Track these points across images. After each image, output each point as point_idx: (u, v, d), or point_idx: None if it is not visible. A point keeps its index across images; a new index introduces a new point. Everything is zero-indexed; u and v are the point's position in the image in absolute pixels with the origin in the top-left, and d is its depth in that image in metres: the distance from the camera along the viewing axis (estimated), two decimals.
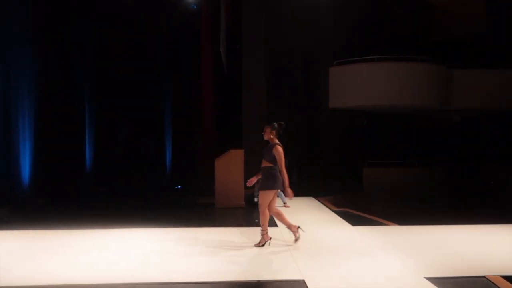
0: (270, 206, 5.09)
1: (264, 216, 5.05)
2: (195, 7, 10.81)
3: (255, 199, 8.37)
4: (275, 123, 5.20)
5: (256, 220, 7.00)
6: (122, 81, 11.77)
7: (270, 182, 5.02)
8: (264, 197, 5.06)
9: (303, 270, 4.21)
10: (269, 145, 5.13)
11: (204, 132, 10.94)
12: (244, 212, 7.92)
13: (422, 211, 8.51)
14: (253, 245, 5.17)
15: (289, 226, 5.19)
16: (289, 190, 4.98)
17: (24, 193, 8.25)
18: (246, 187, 8.39)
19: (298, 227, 5.19)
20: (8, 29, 7.85)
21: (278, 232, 5.78)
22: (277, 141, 5.14)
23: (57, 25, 9.74)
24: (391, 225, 6.74)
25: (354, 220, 6.97)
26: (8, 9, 7.82)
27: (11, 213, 7.14)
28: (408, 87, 10.40)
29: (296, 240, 5.17)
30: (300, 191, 10.22)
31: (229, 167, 8.27)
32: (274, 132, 5.15)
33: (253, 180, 5.32)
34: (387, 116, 12.31)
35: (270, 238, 5.18)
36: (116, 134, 11.84)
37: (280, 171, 4.99)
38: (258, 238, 5.33)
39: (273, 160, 5.02)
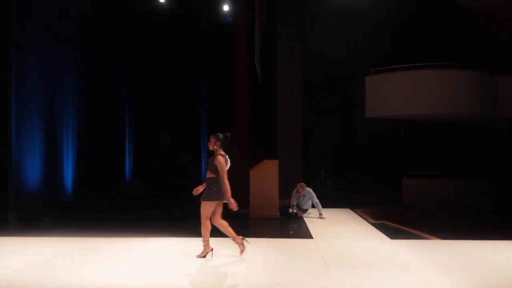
0: (214, 217, 5.04)
1: (205, 227, 5.01)
2: (230, 19, 10.98)
3: (290, 210, 8.29)
4: (220, 134, 5.13)
5: (291, 232, 6.93)
6: (160, 93, 12.10)
7: (213, 193, 4.96)
8: (205, 208, 4.99)
9: (339, 284, 4.09)
10: (212, 156, 5.08)
11: (238, 143, 10.98)
12: (279, 223, 7.84)
13: (466, 225, 8.10)
14: (196, 256, 5.09)
15: (234, 238, 5.10)
16: (231, 201, 4.87)
17: (67, 201, 8.57)
18: (281, 198, 8.34)
19: (243, 238, 5.12)
20: (55, 46, 8.25)
21: (312, 244, 5.66)
22: (222, 152, 5.06)
23: (99, 39, 10.17)
24: (433, 239, 6.44)
25: (393, 233, 6.72)
26: (56, 27, 8.22)
27: (55, 220, 7.44)
28: (450, 94, 10.05)
29: (242, 252, 5.06)
30: (336, 202, 10.06)
31: (264, 177, 8.23)
32: (218, 142, 5.08)
33: (199, 190, 5.21)
34: (427, 124, 11.92)
35: (212, 249, 5.12)
36: (155, 144, 12.13)
37: (223, 182, 4.90)
38: (293, 249, 5.27)
39: (216, 170, 4.94)
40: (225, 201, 5.01)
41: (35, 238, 6.34)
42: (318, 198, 8.39)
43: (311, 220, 7.90)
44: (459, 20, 11.89)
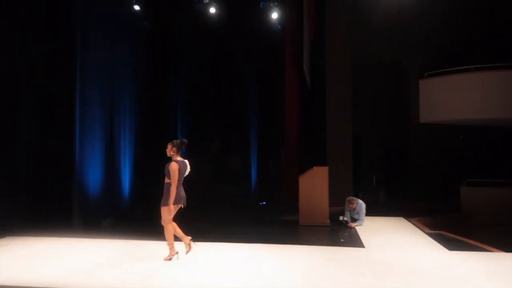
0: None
1: (168, 231, 5.14)
2: (279, 27, 11.06)
3: (341, 218, 8.15)
4: (176, 140, 5.28)
5: (342, 240, 6.82)
6: (211, 101, 12.44)
7: (170, 198, 5.06)
8: (165, 213, 5.10)
9: None
10: (168, 162, 5.15)
11: (288, 149, 11.00)
12: (329, 231, 7.73)
13: None
14: (163, 259, 5.18)
15: (183, 238, 5.30)
16: (171, 207, 5.05)
17: (125, 205, 9.02)
18: (331, 205, 8.24)
19: (191, 239, 5.34)
20: (114, 61, 8.76)
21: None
22: (178, 158, 5.17)
23: (153, 51, 10.67)
24: (495, 251, 6.06)
25: (451, 244, 6.39)
26: (115, 44, 8.74)
27: (114, 223, 7.86)
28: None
29: (188, 251, 5.30)
30: (388, 211, 9.75)
31: (313, 184, 8.16)
32: (174, 148, 5.19)
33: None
34: (487, 130, 11.24)
35: (177, 252, 5.23)
36: (206, 150, 12.46)
37: (171, 187, 5.03)
38: (344, 258, 5.19)
39: (168, 176, 5.06)
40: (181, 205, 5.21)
41: (96, 240, 6.75)
42: (368, 206, 8.20)
43: (362, 229, 7.72)
44: None
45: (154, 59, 10.68)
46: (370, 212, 8.42)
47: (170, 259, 5.23)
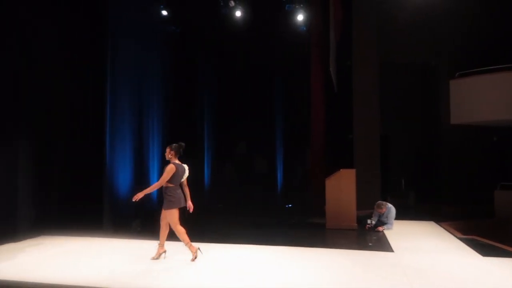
0: (165, 220, 5.35)
1: (179, 232, 5.31)
2: (305, 28, 11.01)
3: (368, 221, 8.00)
4: (174, 144, 5.42)
5: (370, 244, 6.69)
6: (237, 102, 12.52)
7: (170, 202, 5.23)
8: (171, 216, 5.27)
9: None
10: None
11: (314, 151, 10.92)
12: (356, 234, 7.61)
13: None
14: (190, 260, 5.34)
15: (162, 240, 5.47)
16: (139, 194, 5.15)
17: (153, 207, 9.16)
18: (358, 208, 8.11)
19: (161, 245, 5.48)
20: (143, 64, 8.94)
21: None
22: (175, 161, 5.34)
23: (181, 55, 10.84)
24: None
25: (485, 250, 6.16)
26: (143, 46, 8.93)
27: (142, 224, 8.01)
28: None
29: (156, 257, 5.44)
30: (418, 215, 9.51)
31: (340, 187, 8.06)
32: (173, 152, 5.37)
33: (139, 196, 5.23)
34: None
35: (165, 250, 5.49)
36: (232, 152, 12.54)
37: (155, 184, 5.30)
38: (372, 262, 5.09)
39: (170, 180, 5.21)
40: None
41: (125, 240, 6.90)
42: (397, 210, 8.03)
43: (391, 233, 7.56)
44: None
45: (181, 62, 10.86)
46: (399, 216, 8.24)
47: (195, 258, 5.39)
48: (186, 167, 5.47)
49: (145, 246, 6.30)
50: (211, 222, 9.06)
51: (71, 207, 7.57)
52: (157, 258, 5.48)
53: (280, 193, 12.01)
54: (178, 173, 5.28)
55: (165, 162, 5.51)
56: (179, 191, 5.36)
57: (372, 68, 10.58)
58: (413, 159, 12.31)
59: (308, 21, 10.84)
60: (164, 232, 5.48)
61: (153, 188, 5.35)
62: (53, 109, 7.60)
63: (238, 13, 10.56)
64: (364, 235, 7.49)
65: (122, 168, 8.02)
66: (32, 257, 5.69)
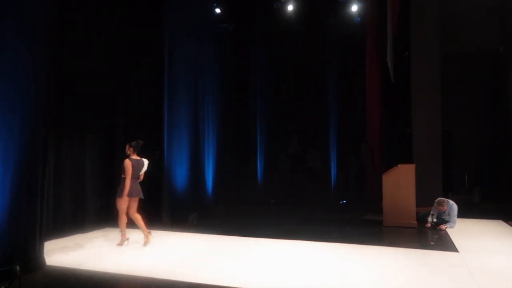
0: (130, 210, 5.98)
1: (121, 220, 5.96)
2: (359, 19, 10.68)
3: (429, 219, 7.62)
4: (133, 142, 6.07)
5: (432, 243, 6.38)
6: (290, 98, 12.45)
7: (123, 190, 5.83)
8: (119, 204, 5.91)
9: None
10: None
11: (370, 146, 10.59)
12: (416, 232, 7.28)
13: None
14: (116, 244, 6.06)
15: (143, 230, 6.08)
16: (125, 199, 5.84)
17: (208, 201, 9.39)
18: (418, 205, 7.75)
19: (149, 232, 6.10)
20: (198, 61, 9.11)
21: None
22: (133, 156, 6.01)
23: (234, 52, 10.95)
24: None
25: None
26: (199, 45, 9.10)
27: (199, 218, 8.23)
28: None
29: (145, 243, 6.01)
30: (483, 213, 8.92)
31: (399, 182, 7.73)
32: (131, 149, 6.03)
33: (124, 194, 5.90)
34: None
35: (128, 238, 6.08)
36: (285, 148, 12.50)
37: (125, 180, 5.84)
38: (435, 262, 4.89)
39: (124, 172, 5.86)
40: (140, 197, 6.03)
41: (182, 233, 7.12)
42: (460, 207, 7.58)
43: (454, 232, 7.15)
44: None
45: (234, 59, 10.98)
46: (462, 214, 7.78)
47: (121, 244, 6.05)
48: (146, 162, 6.14)
49: (204, 239, 6.46)
50: (265, 217, 9.10)
51: None
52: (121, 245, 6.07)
53: (334, 189, 11.80)
54: (133, 166, 5.92)
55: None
56: (135, 183, 5.97)
57: (433, 58, 10.01)
58: (478, 155, 11.55)
59: (363, 11, 10.50)
60: (137, 222, 6.09)
61: (127, 185, 5.85)
62: (115, 109, 7.94)
63: (290, 7, 10.46)
64: (425, 233, 7.16)
65: (179, 164, 8.27)
66: (99, 248, 6.04)
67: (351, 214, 9.19)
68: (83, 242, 6.40)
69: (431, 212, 7.64)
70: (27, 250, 4.72)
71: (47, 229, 5.65)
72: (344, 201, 11.32)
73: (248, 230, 7.30)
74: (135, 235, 6.41)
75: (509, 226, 7.71)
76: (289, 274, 4.70)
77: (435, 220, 7.55)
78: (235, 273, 4.73)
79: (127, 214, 6.02)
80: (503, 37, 11.17)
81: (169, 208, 7.93)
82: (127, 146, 6.10)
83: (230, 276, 4.63)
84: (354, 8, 10.45)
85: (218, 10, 10.15)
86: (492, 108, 11.54)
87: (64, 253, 5.68)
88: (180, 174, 8.26)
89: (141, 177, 6.12)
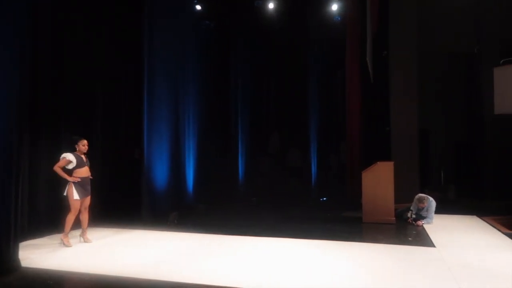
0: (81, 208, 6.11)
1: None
2: (339, 18, 10.78)
3: (408, 215, 7.77)
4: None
5: (410, 239, 6.51)
6: (271, 95, 12.48)
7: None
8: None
9: None
10: None
11: (350, 144, 10.71)
12: (395, 228, 7.42)
13: None
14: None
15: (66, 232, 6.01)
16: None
17: (189, 200, 9.31)
18: (396, 202, 7.89)
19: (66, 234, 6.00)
20: (179, 58, 9.00)
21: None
22: (67, 152, 6.01)
23: (215, 48, 10.88)
24: None
25: None
26: (180, 40, 9.00)
27: (180, 217, 8.14)
28: None
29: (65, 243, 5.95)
30: (459, 209, 9.16)
31: (378, 180, 7.86)
32: (73, 145, 6.11)
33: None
34: None
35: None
36: (266, 146, 12.53)
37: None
38: (413, 258, 4.96)
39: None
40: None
41: (162, 232, 7.03)
42: (438, 204, 7.76)
43: (431, 227, 7.31)
44: None
45: (215, 56, 10.91)
46: (438, 210, 7.95)
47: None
48: (74, 156, 6.13)
49: (185, 237, 6.41)
50: (245, 215, 9.09)
51: (111, 200, 7.80)
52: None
53: (314, 187, 11.89)
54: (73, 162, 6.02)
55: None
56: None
57: (410, 58, 10.21)
58: (453, 152, 11.85)
59: (343, 10, 10.60)
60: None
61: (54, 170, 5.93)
62: (91, 106, 7.77)
63: (271, 5, 10.48)
64: (403, 229, 7.29)
65: (159, 162, 8.16)
66: (76, 248, 5.90)
67: (331, 211, 9.28)
68: (60, 242, 6.24)
69: (411, 208, 7.79)
70: (1, 251, 4.57)
71: (22, 229, 5.49)
72: (325, 199, 11.42)
73: (229, 228, 7.27)
74: (122, 236, 6.29)
75: (483, 221, 7.94)
76: (271, 271, 4.71)
77: (414, 216, 7.70)
78: (217, 271, 4.70)
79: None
80: (477, 38, 11.46)
81: (149, 207, 7.83)
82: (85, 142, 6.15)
83: (212, 274, 4.60)
84: (335, 7, 10.54)
85: (198, 7, 10.07)
86: (468, 107, 11.85)
87: (40, 254, 5.53)
88: (160, 172, 8.15)
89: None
